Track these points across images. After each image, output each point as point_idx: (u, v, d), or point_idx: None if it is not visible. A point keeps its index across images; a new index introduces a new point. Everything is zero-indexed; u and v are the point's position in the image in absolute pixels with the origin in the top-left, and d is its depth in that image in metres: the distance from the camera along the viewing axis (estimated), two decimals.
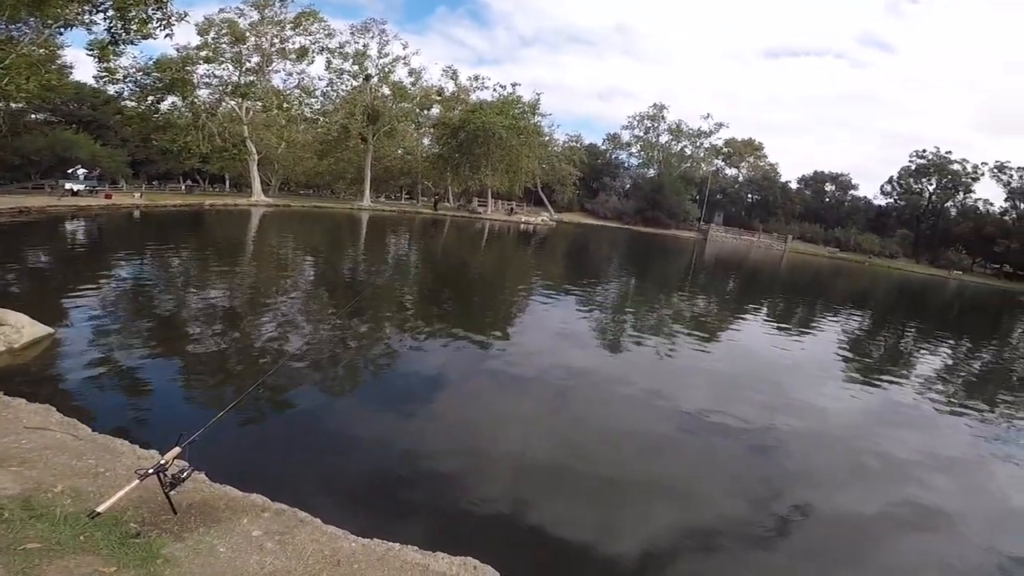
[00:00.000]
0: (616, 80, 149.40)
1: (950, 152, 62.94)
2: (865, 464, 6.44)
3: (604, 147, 74.18)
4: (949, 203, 64.69)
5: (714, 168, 73.44)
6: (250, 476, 3.88)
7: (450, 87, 49.77)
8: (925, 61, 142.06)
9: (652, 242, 46.86)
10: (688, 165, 70.86)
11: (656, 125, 71.23)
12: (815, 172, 71.94)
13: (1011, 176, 60.27)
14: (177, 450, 3.01)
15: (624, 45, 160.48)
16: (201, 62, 34.58)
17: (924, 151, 64.18)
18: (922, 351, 15.53)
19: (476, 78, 51.42)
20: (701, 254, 42.27)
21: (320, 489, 4.37)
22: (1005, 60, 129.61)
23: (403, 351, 8.50)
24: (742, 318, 16.07)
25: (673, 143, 71.73)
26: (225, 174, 49.44)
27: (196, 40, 34.04)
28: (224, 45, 34.84)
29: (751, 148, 74.06)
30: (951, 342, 17.89)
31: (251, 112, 37.28)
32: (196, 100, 36.14)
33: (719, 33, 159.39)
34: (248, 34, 35.45)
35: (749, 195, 73.40)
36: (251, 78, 36.32)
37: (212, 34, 34.40)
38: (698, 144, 71.99)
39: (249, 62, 36.44)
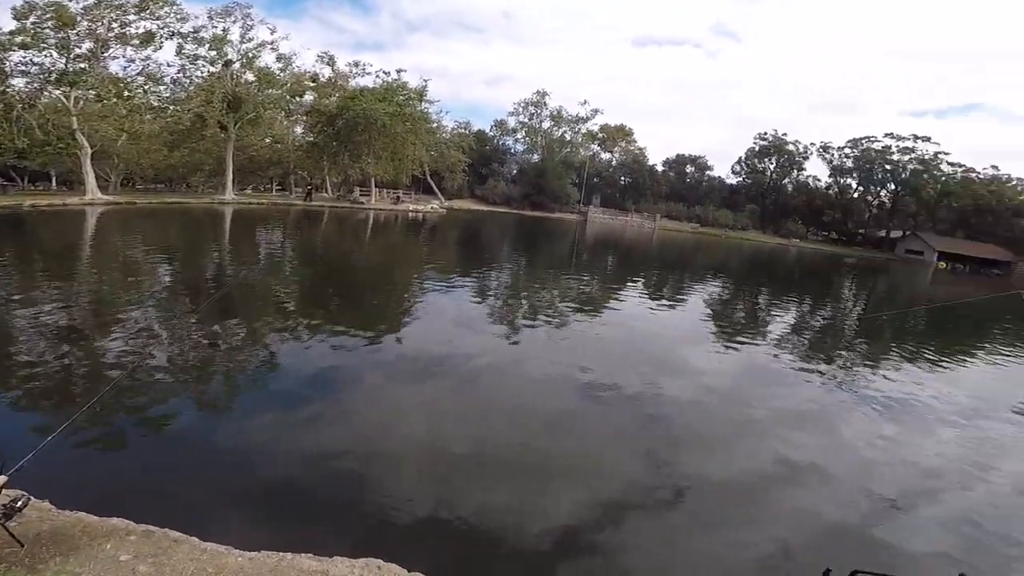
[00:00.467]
0: (503, 66, 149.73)
1: (786, 134, 72.37)
2: (740, 422, 7.12)
3: (492, 133, 75.07)
4: (786, 180, 74.16)
5: (591, 153, 77.43)
6: (107, 500, 3.43)
7: (327, 73, 47.18)
8: (768, 49, 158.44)
9: (539, 225, 48.33)
10: (568, 150, 73.92)
11: (539, 111, 73.35)
12: (677, 155, 79.09)
13: (833, 155, 70.90)
14: (3, 479, 2.54)
15: (510, 31, 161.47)
16: (16, 48, 29.20)
17: (766, 133, 72.97)
18: (774, 312, 17.79)
19: (356, 64, 49.01)
20: (583, 235, 44.45)
21: (193, 506, 3.98)
22: (832, 47, 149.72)
23: (283, 352, 7.91)
24: (623, 292, 17.22)
25: (555, 129, 74.31)
26: (50, 171, 42.30)
27: (12, 25, 28.67)
28: (48, 30, 29.69)
29: (623, 133, 78.69)
30: (796, 302, 20.72)
31: (81, 102, 32.16)
32: (9, 90, 30.41)
33: (595, 21, 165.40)
34: (80, 18, 30.49)
35: (622, 178, 78.40)
36: (81, 65, 31.31)
37: (33, 18, 29.17)
38: (576, 130, 75.30)
39: (79, 48, 31.40)
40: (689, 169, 78.08)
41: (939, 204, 65.28)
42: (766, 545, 4.43)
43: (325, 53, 47.24)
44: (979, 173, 65.64)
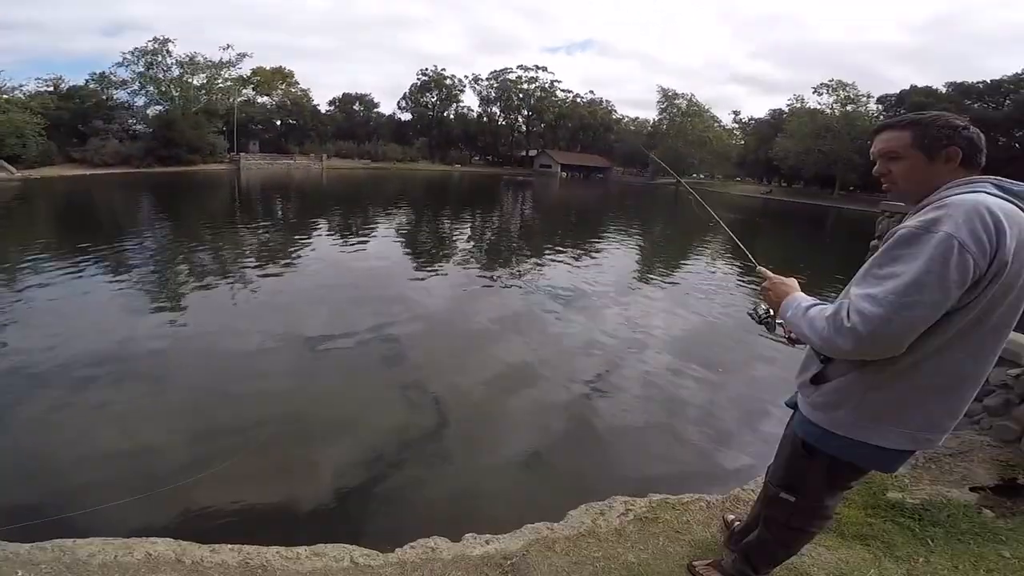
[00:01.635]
0: (129, 13, 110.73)
1: (444, 69, 78.26)
2: (469, 339, 7.18)
3: (93, 87, 57.09)
4: (447, 112, 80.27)
5: (243, 98, 67.50)
6: None
7: None
8: None
9: (179, 181, 39.25)
10: (211, 97, 62.52)
11: (160, 59, 58.84)
12: (343, 94, 76.67)
13: (482, 87, 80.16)
14: None
15: None
16: None
17: (427, 69, 77.10)
18: (456, 231, 18.64)
19: None
20: (241, 184, 38.47)
21: None
22: None
23: None
24: (310, 236, 15.28)
25: (187, 76, 61.20)
26: None
27: None
28: None
29: (281, 76, 71.91)
30: (472, 218, 22.30)
31: None
32: None
33: None
34: None
35: (280, 121, 71.53)
36: None
37: None
38: (218, 75, 63.86)
39: None
40: (356, 107, 76.80)
41: (558, 125, 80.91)
42: (524, 449, 4.49)
43: None
44: (582, 97, 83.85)
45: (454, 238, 16.83)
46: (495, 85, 78.88)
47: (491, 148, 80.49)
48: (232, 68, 64.61)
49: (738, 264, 15.96)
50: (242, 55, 64.60)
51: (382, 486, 3.88)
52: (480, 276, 11.26)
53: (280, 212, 23.53)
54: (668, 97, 74.03)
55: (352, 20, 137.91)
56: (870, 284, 1.37)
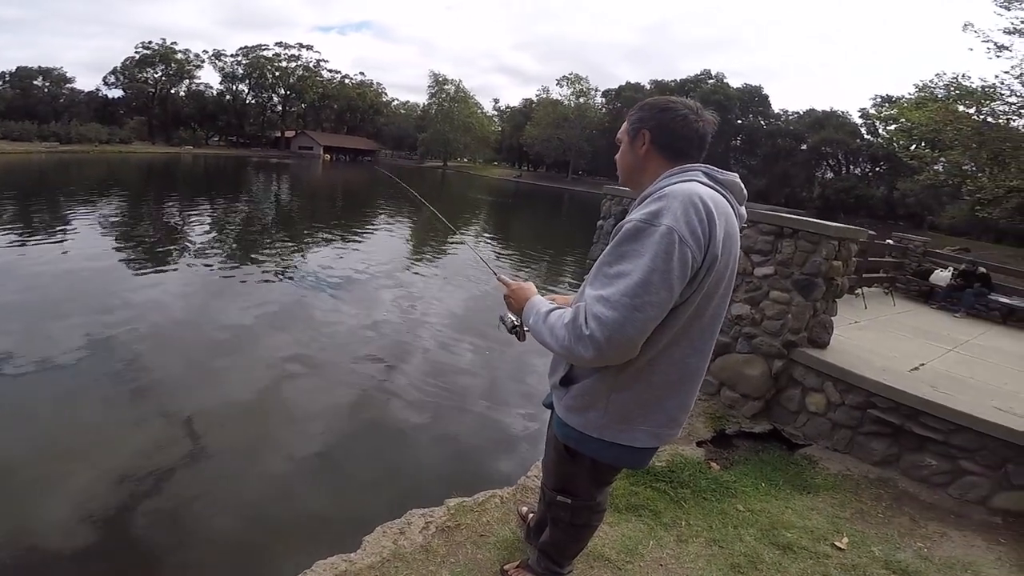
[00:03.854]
0: None
1: (176, 43, 66.89)
2: (224, 345, 6.09)
3: None
4: (176, 88, 68.44)
5: None
6: None
7: None
8: None
9: None
10: None
11: None
12: (18, 68, 60.57)
13: (226, 63, 70.75)
14: None
15: None
16: None
17: (150, 42, 65.05)
18: (193, 220, 15.92)
19: None
20: None
21: None
22: None
23: None
24: None
25: None
26: None
27: None
28: None
29: None
30: (212, 206, 19.33)
31: None
32: None
33: None
34: None
35: None
36: None
37: None
38: None
39: None
40: (39, 83, 61.61)
41: (322, 105, 75.98)
42: (301, 470, 3.93)
43: None
44: (352, 79, 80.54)
45: (190, 229, 14.31)
46: (244, 62, 71.04)
47: (235, 128, 71.35)
48: None
49: (499, 241, 17.59)
50: None
51: (121, 553, 2.93)
52: (230, 269, 9.86)
53: None
54: (439, 82, 75.86)
55: None
56: (602, 284, 1.32)
